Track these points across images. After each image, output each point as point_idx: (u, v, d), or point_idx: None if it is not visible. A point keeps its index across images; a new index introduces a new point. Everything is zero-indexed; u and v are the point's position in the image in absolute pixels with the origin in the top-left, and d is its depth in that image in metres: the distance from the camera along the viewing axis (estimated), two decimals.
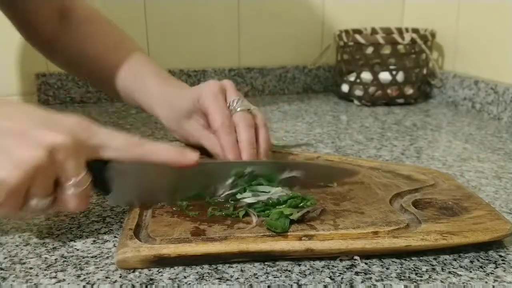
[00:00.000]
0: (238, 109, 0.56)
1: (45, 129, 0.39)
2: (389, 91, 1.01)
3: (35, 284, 0.38)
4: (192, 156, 0.46)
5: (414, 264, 0.41)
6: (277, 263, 0.41)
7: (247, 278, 0.39)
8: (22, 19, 0.69)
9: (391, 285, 0.38)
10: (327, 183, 0.53)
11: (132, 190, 0.47)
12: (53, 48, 0.71)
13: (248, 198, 0.47)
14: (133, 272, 0.40)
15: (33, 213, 0.41)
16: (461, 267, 0.41)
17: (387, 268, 0.40)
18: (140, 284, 0.38)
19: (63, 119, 0.41)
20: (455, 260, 0.42)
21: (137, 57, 0.67)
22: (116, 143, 0.43)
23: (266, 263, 0.41)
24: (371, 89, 1.01)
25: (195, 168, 0.46)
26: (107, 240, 0.45)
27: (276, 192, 0.47)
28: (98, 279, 0.39)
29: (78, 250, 0.43)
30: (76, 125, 0.41)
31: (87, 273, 0.40)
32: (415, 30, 1.08)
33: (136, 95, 0.65)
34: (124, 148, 0.43)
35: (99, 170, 0.44)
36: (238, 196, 0.47)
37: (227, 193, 0.49)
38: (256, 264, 0.41)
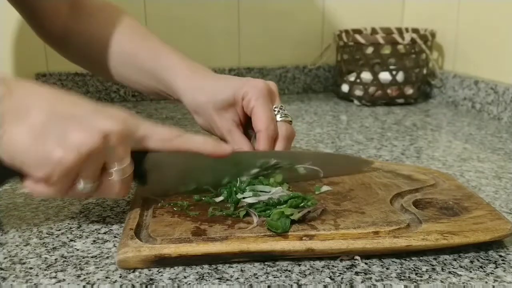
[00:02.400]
0: (280, 118, 0.56)
1: (100, 116, 0.42)
2: (389, 91, 1.01)
3: (35, 284, 0.38)
4: (226, 147, 0.49)
5: (414, 264, 0.41)
6: (277, 263, 0.41)
7: (247, 278, 0.39)
8: (33, 13, 0.69)
9: (391, 285, 0.38)
10: (348, 173, 0.55)
11: (168, 180, 0.50)
12: (64, 42, 0.70)
13: (249, 198, 0.47)
14: (133, 272, 0.40)
15: (78, 196, 0.44)
16: (461, 267, 0.41)
17: (387, 268, 0.40)
18: (140, 284, 0.38)
19: (114, 111, 0.44)
20: (455, 260, 0.42)
21: (154, 37, 0.67)
22: (159, 135, 0.46)
23: (266, 263, 0.41)
24: (371, 89, 1.01)
25: (227, 158, 0.48)
26: (107, 240, 0.45)
27: (276, 192, 0.47)
28: (98, 279, 0.39)
29: (78, 250, 0.43)
30: (126, 116, 0.44)
31: (87, 273, 0.40)
32: (415, 30, 1.08)
33: (160, 77, 0.63)
34: (166, 139, 0.46)
35: (139, 160, 0.46)
36: (239, 196, 0.47)
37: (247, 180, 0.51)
38: (256, 264, 0.41)
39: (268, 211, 0.45)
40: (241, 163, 0.52)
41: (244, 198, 0.47)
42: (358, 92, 1.03)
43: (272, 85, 0.58)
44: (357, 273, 0.40)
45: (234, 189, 0.48)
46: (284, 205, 0.45)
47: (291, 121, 0.57)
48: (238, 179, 0.50)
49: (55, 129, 0.40)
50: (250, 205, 0.46)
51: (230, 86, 0.57)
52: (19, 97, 0.41)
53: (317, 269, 0.40)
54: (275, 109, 0.56)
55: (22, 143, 0.39)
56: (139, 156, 0.46)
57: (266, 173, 0.52)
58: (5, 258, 0.42)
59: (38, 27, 0.71)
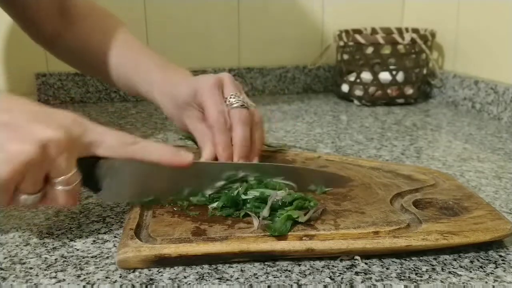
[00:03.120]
0: (234, 104, 0.55)
1: (39, 124, 0.39)
2: (389, 91, 1.01)
3: (35, 284, 0.38)
4: (186, 157, 0.46)
5: (414, 264, 0.41)
6: (277, 263, 0.41)
7: (247, 278, 0.39)
8: (23, 17, 0.69)
9: (391, 285, 0.38)
10: (319, 190, 0.52)
11: (122, 188, 0.46)
12: (56, 44, 0.71)
13: (261, 209, 0.45)
14: (133, 272, 0.40)
15: (23, 206, 0.41)
16: (461, 267, 0.41)
17: (387, 268, 0.40)
18: (140, 284, 0.38)
19: (57, 115, 0.41)
20: (455, 260, 0.42)
21: (136, 45, 0.67)
22: (109, 141, 0.43)
23: (266, 263, 0.41)
24: (371, 89, 1.01)
25: (188, 169, 0.46)
26: (107, 240, 0.45)
27: (279, 194, 0.47)
28: (98, 279, 0.39)
29: (78, 250, 0.43)
30: (70, 121, 0.41)
31: (87, 273, 0.40)
32: (415, 30, 1.08)
33: (138, 85, 0.65)
34: (117, 146, 0.43)
35: (90, 167, 0.43)
36: (243, 196, 0.47)
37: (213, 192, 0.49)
38: (256, 264, 0.41)
39: (273, 214, 0.44)
40: (204, 175, 0.49)
41: (247, 199, 0.47)
42: (358, 92, 1.03)
43: (224, 76, 0.58)
44: (357, 273, 0.40)
45: (236, 192, 0.48)
46: (289, 207, 0.45)
47: (246, 107, 0.55)
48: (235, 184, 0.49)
49: None
50: (255, 207, 0.46)
51: (185, 86, 0.58)
52: None
53: (317, 269, 0.40)
54: (230, 98, 0.55)
55: None
56: (91, 162, 0.43)
57: (231, 186, 0.49)
58: (5, 258, 0.42)
59: (31, 30, 0.71)
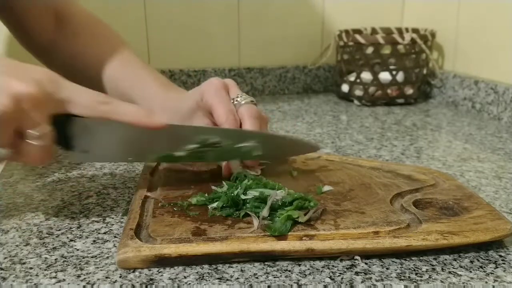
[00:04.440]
0: (243, 102, 0.55)
1: (13, 78, 0.39)
2: (389, 91, 1.01)
3: (35, 284, 0.38)
4: (159, 119, 0.46)
5: (414, 264, 0.41)
6: (277, 263, 0.41)
7: (247, 278, 0.39)
8: (17, 25, 0.69)
9: (391, 285, 0.38)
10: (287, 156, 0.54)
11: (95, 148, 0.46)
12: (50, 54, 0.70)
13: (261, 209, 0.45)
14: (133, 272, 0.40)
15: None
16: (461, 267, 0.41)
17: (387, 268, 0.40)
18: (140, 284, 0.38)
19: (32, 70, 0.42)
20: (455, 260, 0.42)
21: (133, 60, 0.67)
22: (83, 100, 0.43)
23: (266, 263, 0.41)
24: (371, 89, 1.01)
25: (161, 130, 0.46)
26: (107, 240, 0.45)
27: (279, 194, 0.47)
28: (98, 279, 0.39)
29: (78, 250, 0.43)
30: (45, 77, 0.42)
31: (87, 273, 0.40)
32: (415, 30, 1.08)
33: (135, 98, 0.65)
34: (91, 105, 0.43)
35: (62, 124, 0.43)
36: (243, 196, 0.47)
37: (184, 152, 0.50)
38: (256, 264, 0.41)
39: (273, 214, 0.44)
40: (177, 137, 0.49)
41: (247, 199, 0.47)
42: (358, 92, 1.03)
43: (227, 80, 0.59)
44: (357, 273, 0.40)
45: (236, 191, 0.48)
46: (289, 207, 0.45)
47: (255, 103, 0.57)
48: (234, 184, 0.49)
49: None
50: (255, 207, 0.46)
51: (189, 96, 0.59)
52: None
53: (317, 269, 0.40)
54: (236, 98, 0.56)
55: None
56: (63, 119, 0.43)
57: (204, 150, 0.50)
58: (5, 258, 0.42)
59: (23, 39, 0.71)
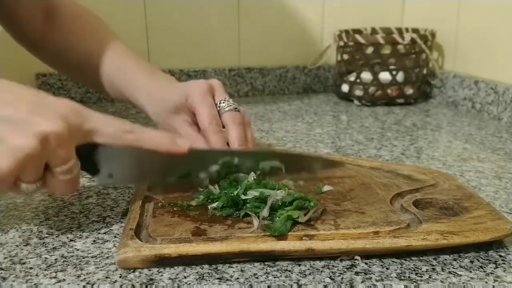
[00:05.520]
0: (227, 108, 0.56)
1: (39, 116, 0.39)
2: (389, 91, 1.01)
3: (35, 284, 0.38)
4: (183, 144, 0.47)
5: (414, 264, 0.41)
6: (277, 263, 0.41)
7: (247, 278, 0.39)
8: (8, 18, 0.69)
9: (391, 285, 0.38)
10: (310, 174, 0.54)
11: (120, 172, 0.48)
12: (41, 46, 0.70)
13: (261, 209, 0.45)
14: (133, 272, 0.40)
15: (25, 193, 0.42)
16: (461, 267, 0.41)
17: (387, 268, 0.40)
18: (140, 284, 0.38)
19: (56, 104, 0.42)
20: (455, 260, 0.42)
21: (122, 50, 0.67)
22: (107, 129, 0.44)
23: (266, 263, 0.41)
24: (371, 89, 1.01)
25: (185, 155, 0.47)
26: (107, 240, 0.45)
27: (279, 194, 0.47)
28: (98, 279, 0.39)
29: (78, 250, 0.43)
30: (69, 110, 0.42)
31: (87, 273, 0.40)
32: (415, 30, 1.08)
33: (123, 88, 0.65)
34: (115, 134, 0.44)
35: (88, 152, 0.44)
36: (243, 196, 0.47)
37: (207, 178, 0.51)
38: (256, 264, 0.41)
39: (273, 214, 0.44)
40: (200, 160, 0.51)
41: (247, 199, 0.47)
42: (358, 92, 1.03)
43: (213, 82, 0.59)
44: (357, 273, 0.40)
45: (236, 192, 0.48)
46: (289, 207, 0.45)
47: (238, 109, 0.57)
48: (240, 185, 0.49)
49: None
50: (255, 207, 0.46)
51: (176, 91, 0.59)
52: None
53: (317, 269, 0.40)
54: (221, 103, 0.57)
55: None
56: (89, 148, 0.44)
57: (228, 171, 0.52)
58: (5, 258, 0.42)
59: (14, 32, 0.71)
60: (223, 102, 0.57)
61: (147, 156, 0.47)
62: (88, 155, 0.44)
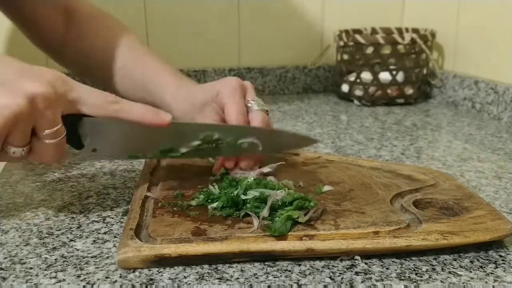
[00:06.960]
0: (256, 107, 0.57)
1: (27, 78, 0.41)
2: (389, 91, 1.01)
3: (35, 284, 0.38)
4: (165, 117, 0.48)
5: (414, 264, 0.41)
6: (277, 263, 0.41)
7: (247, 278, 0.39)
8: (28, 24, 0.70)
9: (391, 285, 0.38)
10: (286, 150, 0.57)
11: (103, 145, 0.49)
12: (62, 52, 0.72)
13: (261, 209, 0.45)
14: (133, 272, 0.40)
15: (12, 159, 0.43)
16: (461, 267, 0.41)
17: (387, 268, 0.40)
18: (140, 284, 0.38)
19: (43, 71, 0.43)
20: (455, 260, 0.42)
21: (143, 49, 0.69)
22: (94, 100, 0.45)
23: (266, 263, 0.41)
24: (371, 89, 1.01)
25: (167, 128, 0.48)
26: (107, 240, 0.45)
27: (279, 194, 0.47)
28: (98, 279, 0.39)
29: (78, 250, 0.43)
30: (56, 78, 0.43)
31: (87, 273, 0.40)
32: (415, 30, 1.08)
33: (143, 84, 0.66)
34: (100, 104, 0.45)
35: (73, 124, 0.45)
36: (243, 196, 0.47)
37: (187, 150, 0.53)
38: (256, 264, 0.41)
39: (273, 214, 0.44)
40: (181, 134, 0.52)
41: (247, 199, 0.47)
42: (358, 92, 1.03)
43: (245, 82, 0.60)
44: (357, 273, 0.40)
45: (236, 191, 0.48)
46: (289, 207, 0.45)
47: (267, 111, 0.59)
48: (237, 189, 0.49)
49: None
50: (255, 207, 0.46)
51: (205, 89, 0.60)
52: None
53: (317, 269, 0.40)
54: (251, 102, 0.57)
55: None
56: (73, 119, 0.45)
57: (207, 147, 0.53)
58: (5, 258, 0.42)
59: (35, 38, 0.72)
60: (254, 101, 0.57)
61: (130, 129, 0.48)
62: (73, 127, 0.45)
